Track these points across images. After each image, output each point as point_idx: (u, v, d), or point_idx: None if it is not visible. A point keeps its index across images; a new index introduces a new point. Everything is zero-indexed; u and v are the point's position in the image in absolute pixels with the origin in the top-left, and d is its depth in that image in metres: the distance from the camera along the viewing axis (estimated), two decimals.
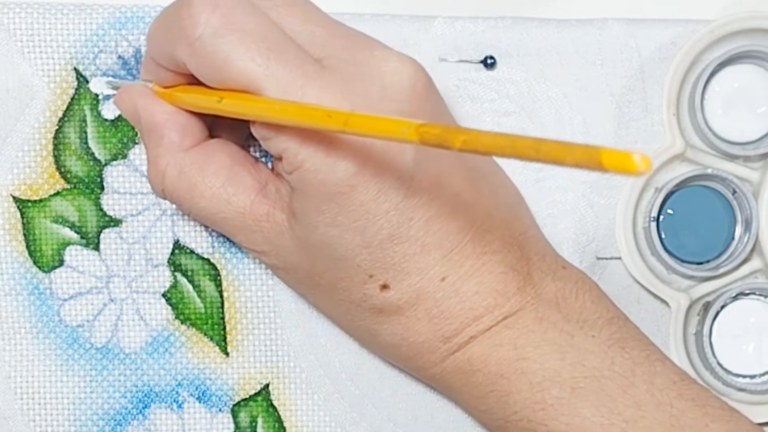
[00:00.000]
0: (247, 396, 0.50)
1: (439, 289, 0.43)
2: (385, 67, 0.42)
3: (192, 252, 0.50)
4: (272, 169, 0.46)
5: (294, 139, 0.41)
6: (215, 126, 0.46)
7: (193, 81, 0.44)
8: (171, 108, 0.45)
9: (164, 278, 0.50)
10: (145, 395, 0.50)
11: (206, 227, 0.50)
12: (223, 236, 0.50)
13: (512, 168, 0.50)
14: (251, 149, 0.49)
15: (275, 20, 0.42)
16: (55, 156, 0.49)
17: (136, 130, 0.49)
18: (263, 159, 0.49)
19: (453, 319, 0.44)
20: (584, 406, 0.43)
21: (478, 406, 0.45)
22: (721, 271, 0.49)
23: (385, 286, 0.43)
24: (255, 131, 0.43)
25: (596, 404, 0.43)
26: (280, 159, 0.42)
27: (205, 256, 0.50)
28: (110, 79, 0.49)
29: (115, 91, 0.49)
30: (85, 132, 0.49)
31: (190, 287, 0.50)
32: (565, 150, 0.32)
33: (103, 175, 0.50)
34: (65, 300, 0.50)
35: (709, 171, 0.49)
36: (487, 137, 0.33)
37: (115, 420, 0.50)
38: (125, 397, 0.50)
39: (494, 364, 0.44)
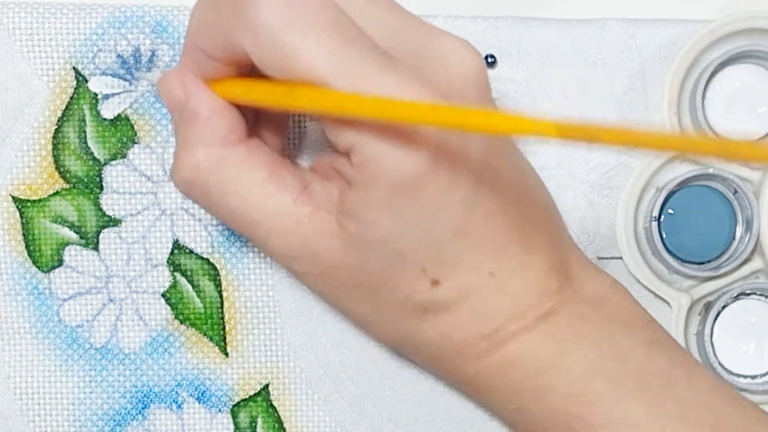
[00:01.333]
0: (247, 396, 0.50)
1: (487, 285, 0.43)
2: (452, 57, 0.41)
3: (191, 252, 0.50)
4: (312, 169, 0.45)
5: (366, 131, 0.39)
6: (255, 127, 0.45)
7: (241, 75, 0.42)
8: (221, 101, 0.43)
9: (164, 278, 0.50)
10: (145, 395, 0.50)
11: (206, 227, 0.50)
12: (223, 236, 0.50)
13: None
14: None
15: (340, 5, 0.40)
16: (54, 156, 0.49)
17: (136, 126, 0.49)
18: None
19: (497, 316, 0.43)
20: (626, 401, 0.43)
21: (512, 404, 0.44)
22: (722, 271, 0.49)
23: (435, 282, 0.43)
24: (321, 124, 0.41)
25: (638, 398, 0.43)
26: (345, 153, 0.41)
27: (205, 256, 0.50)
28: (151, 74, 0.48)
29: (118, 90, 0.49)
30: (85, 132, 0.49)
31: (190, 287, 0.50)
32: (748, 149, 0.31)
33: (103, 175, 0.49)
34: (64, 300, 0.50)
35: (710, 171, 0.49)
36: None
37: (114, 420, 0.50)
38: (125, 398, 0.50)
39: (534, 358, 0.43)
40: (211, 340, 0.50)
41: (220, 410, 0.50)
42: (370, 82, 0.39)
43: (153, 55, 0.49)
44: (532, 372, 0.43)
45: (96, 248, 0.50)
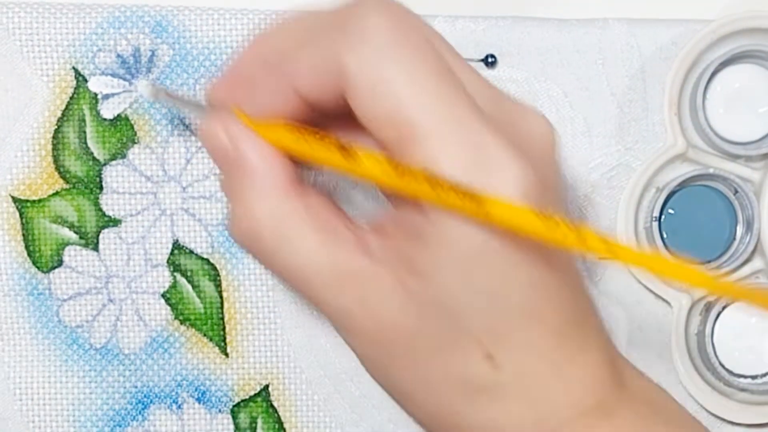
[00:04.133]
0: (247, 397, 0.50)
1: (546, 373, 0.40)
2: (534, 128, 0.40)
3: (191, 252, 0.50)
4: (371, 225, 0.42)
5: (451, 173, 0.37)
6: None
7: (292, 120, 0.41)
8: (274, 150, 0.40)
9: (163, 278, 0.50)
10: (145, 396, 0.50)
11: (206, 227, 0.50)
12: (223, 236, 0.50)
13: None
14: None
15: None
16: (54, 156, 0.49)
17: (136, 126, 0.49)
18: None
19: (554, 407, 0.40)
20: None
21: None
22: (723, 271, 0.49)
23: (492, 360, 0.40)
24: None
25: None
26: (417, 208, 0.39)
27: (205, 256, 0.50)
28: (160, 87, 0.45)
29: (117, 90, 0.49)
30: (84, 132, 0.49)
31: (190, 287, 0.50)
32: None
33: (102, 175, 0.49)
34: (64, 300, 0.49)
35: (711, 171, 0.49)
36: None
37: (114, 421, 0.50)
38: (124, 398, 0.50)
39: None
40: (211, 340, 0.50)
41: (220, 411, 0.50)
42: (463, 124, 0.37)
43: (153, 55, 0.49)
44: None
45: (96, 248, 0.50)
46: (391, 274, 0.40)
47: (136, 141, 0.49)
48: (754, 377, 0.50)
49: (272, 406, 0.50)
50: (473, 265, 0.38)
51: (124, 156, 0.49)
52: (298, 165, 0.41)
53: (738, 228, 0.50)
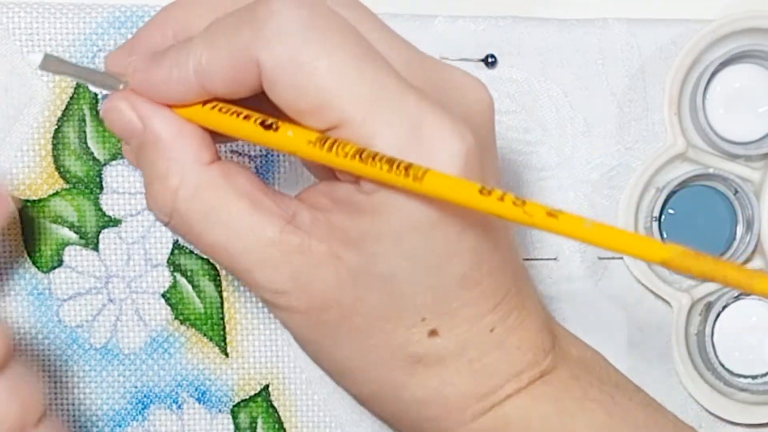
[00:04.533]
0: (247, 397, 0.50)
1: (485, 340, 0.40)
2: (470, 95, 0.39)
3: (191, 252, 0.50)
4: (298, 198, 0.41)
5: (390, 150, 0.36)
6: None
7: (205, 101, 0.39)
8: (181, 119, 0.39)
9: (164, 278, 0.50)
10: (145, 396, 0.50)
11: None
12: None
13: (514, 167, 0.50)
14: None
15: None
16: (54, 156, 0.49)
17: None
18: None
19: (495, 373, 0.41)
20: None
21: None
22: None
23: (434, 332, 0.39)
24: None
25: None
26: (352, 180, 0.38)
27: (205, 256, 0.50)
28: (52, 57, 0.40)
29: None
30: (84, 132, 0.49)
31: (190, 287, 0.50)
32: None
33: (102, 175, 0.49)
34: (64, 300, 0.49)
35: (711, 171, 0.49)
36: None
37: (114, 421, 0.50)
38: (124, 398, 0.50)
39: (534, 420, 0.41)
40: (211, 340, 0.50)
41: (220, 411, 0.50)
42: (393, 101, 0.36)
43: None
44: None
45: (96, 248, 0.50)
46: (323, 247, 0.39)
47: None
48: (754, 377, 0.50)
49: (272, 406, 0.50)
50: (413, 236, 0.37)
51: (124, 156, 0.49)
52: (214, 136, 0.40)
53: (738, 228, 0.50)
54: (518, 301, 0.41)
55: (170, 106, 0.39)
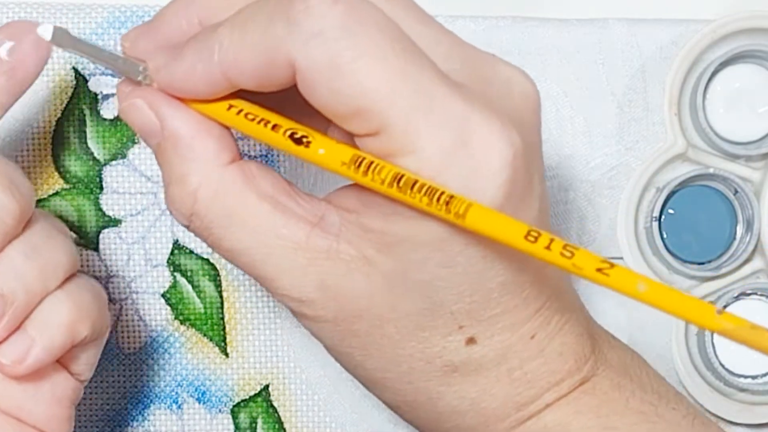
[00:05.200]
0: (247, 397, 0.50)
1: (526, 348, 0.38)
2: (516, 88, 0.37)
3: (191, 252, 0.50)
4: (326, 200, 0.38)
5: (435, 160, 0.34)
6: None
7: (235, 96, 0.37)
8: (201, 116, 0.37)
9: (164, 278, 0.50)
10: (145, 396, 0.50)
11: None
12: None
13: None
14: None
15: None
16: (54, 156, 0.49)
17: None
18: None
19: (535, 382, 0.39)
20: None
21: None
22: (723, 271, 0.49)
23: (471, 340, 0.38)
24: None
25: None
26: None
27: (205, 256, 0.50)
28: (64, 31, 0.39)
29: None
30: (84, 132, 0.49)
31: (190, 287, 0.50)
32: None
33: (102, 175, 0.49)
34: None
35: (711, 171, 0.49)
36: None
37: (114, 421, 0.50)
38: (125, 398, 0.50)
39: (576, 430, 0.39)
40: (211, 340, 0.50)
41: (220, 411, 0.50)
42: (436, 103, 0.34)
43: None
44: None
45: (96, 248, 0.50)
46: (354, 251, 0.37)
47: (136, 141, 0.49)
48: (754, 377, 0.50)
49: (272, 406, 0.50)
50: (454, 243, 0.35)
51: (124, 156, 0.49)
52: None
53: (738, 228, 0.50)
54: (560, 305, 0.39)
55: (193, 101, 0.37)
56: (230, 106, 0.37)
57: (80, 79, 0.49)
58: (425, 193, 0.33)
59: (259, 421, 0.50)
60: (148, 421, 0.50)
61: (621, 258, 0.50)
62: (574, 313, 0.40)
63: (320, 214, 0.37)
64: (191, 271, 0.50)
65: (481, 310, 0.37)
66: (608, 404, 0.40)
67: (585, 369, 0.40)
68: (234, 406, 0.50)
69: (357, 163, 0.34)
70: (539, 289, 0.38)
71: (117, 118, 0.49)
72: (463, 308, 0.37)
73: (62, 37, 0.38)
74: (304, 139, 0.35)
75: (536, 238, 0.32)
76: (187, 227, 0.38)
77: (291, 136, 0.35)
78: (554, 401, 0.39)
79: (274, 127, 0.36)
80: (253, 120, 0.36)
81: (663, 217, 0.50)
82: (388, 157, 0.34)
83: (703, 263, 0.50)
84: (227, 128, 0.38)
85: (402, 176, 0.33)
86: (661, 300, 0.32)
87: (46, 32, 0.38)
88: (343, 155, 0.34)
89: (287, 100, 0.37)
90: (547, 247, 0.32)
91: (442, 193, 0.33)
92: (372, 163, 0.34)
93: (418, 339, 0.38)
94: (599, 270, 0.31)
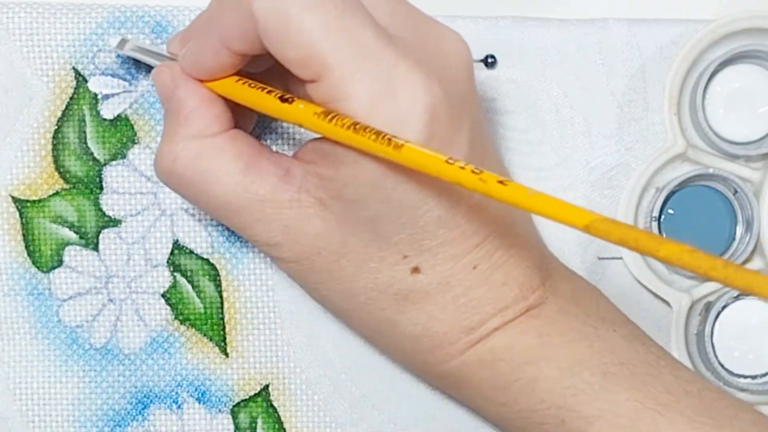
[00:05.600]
0: (247, 397, 0.50)
1: (469, 277, 0.43)
2: (446, 45, 0.42)
3: (191, 252, 0.50)
4: (294, 156, 0.45)
5: (365, 106, 0.40)
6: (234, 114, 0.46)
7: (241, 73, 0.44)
8: (209, 95, 0.44)
9: (163, 278, 0.50)
10: (145, 396, 0.50)
11: (206, 227, 0.50)
12: (223, 236, 0.50)
13: (513, 168, 0.50)
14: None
15: None
16: (54, 156, 0.49)
17: (136, 126, 0.49)
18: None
19: (480, 309, 0.43)
20: (618, 390, 0.43)
21: (498, 398, 0.44)
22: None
23: (416, 269, 0.43)
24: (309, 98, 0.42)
25: (629, 388, 0.43)
26: None
27: (205, 256, 0.50)
28: (128, 39, 0.48)
29: (117, 90, 0.49)
30: (84, 132, 0.49)
31: (190, 287, 0.50)
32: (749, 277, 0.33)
33: (102, 175, 0.49)
34: (64, 300, 0.50)
35: (711, 171, 0.49)
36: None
37: (114, 421, 0.50)
38: (124, 398, 0.50)
39: (519, 351, 0.44)
40: (211, 340, 0.50)
41: (220, 411, 0.50)
42: (369, 55, 0.39)
43: None
44: (518, 364, 0.44)
45: (96, 248, 0.50)
46: (312, 198, 0.43)
47: (136, 141, 0.49)
48: (753, 377, 0.50)
49: (272, 406, 0.50)
50: (388, 182, 0.40)
51: (124, 156, 0.49)
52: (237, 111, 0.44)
53: (737, 228, 0.50)
54: (505, 241, 0.43)
55: (211, 81, 0.44)
56: (238, 79, 0.43)
57: (80, 79, 0.49)
58: (373, 133, 0.38)
59: (259, 421, 0.50)
60: (148, 421, 0.50)
61: (620, 258, 0.50)
62: (523, 249, 0.44)
63: (286, 168, 0.43)
64: (191, 271, 0.50)
65: (421, 240, 0.42)
66: (550, 326, 0.44)
67: (531, 298, 0.44)
68: (234, 406, 0.50)
69: (325, 114, 0.40)
70: (478, 225, 0.42)
71: (117, 119, 0.49)
72: (404, 239, 0.42)
73: (124, 45, 0.48)
74: (289, 99, 0.41)
75: (455, 161, 0.38)
76: (167, 184, 0.44)
77: (280, 98, 0.41)
78: (501, 326, 0.44)
79: (269, 92, 0.42)
80: (253, 87, 0.43)
81: (663, 217, 0.50)
82: (329, 103, 0.40)
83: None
84: (229, 107, 0.44)
85: (357, 123, 0.39)
86: (538, 203, 0.36)
87: (113, 42, 0.48)
88: (316, 108, 0.40)
89: (280, 78, 0.44)
90: (462, 168, 0.37)
91: (386, 134, 0.38)
92: (336, 114, 0.40)
93: (369, 270, 0.43)
94: (500, 182, 0.37)
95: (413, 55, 0.40)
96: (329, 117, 0.40)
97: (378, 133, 0.39)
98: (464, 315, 0.43)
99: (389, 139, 0.38)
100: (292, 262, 0.44)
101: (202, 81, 0.44)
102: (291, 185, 0.43)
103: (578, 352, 0.43)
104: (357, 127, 0.39)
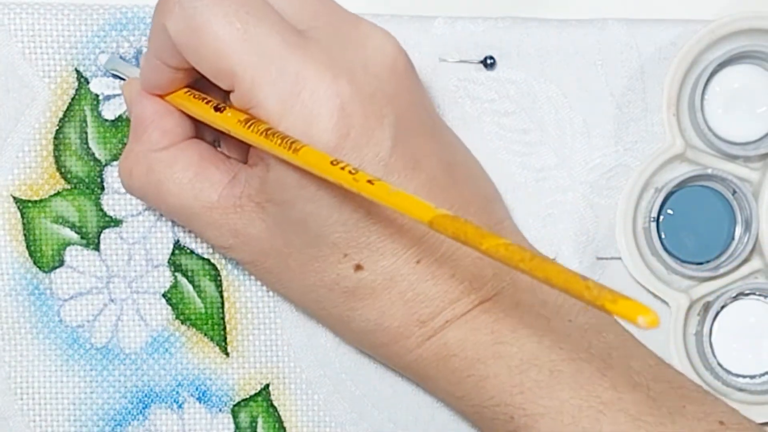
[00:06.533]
0: (248, 396, 0.50)
1: (414, 272, 0.43)
2: (368, 43, 0.42)
3: (192, 252, 0.50)
4: (246, 160, 0.46)
5: (275, 111, 0.41)
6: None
7: (192, 86, 0.45)
8: (162, 107, 0.45)
9: (164, 278, 0.50)
10: (146, 395, 0.50)
11: None
12: None
13: (513, 167, 0.50)
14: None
15: None
16: (55, 156, 0.49)
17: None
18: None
19: (429, 302, 0.44)
20: (562, 389, 0.43)
21: (454, 393, 0.45)
22: (721, 271, 0.49)
23: (359, 267, 0.43)
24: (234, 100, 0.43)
25: (574, 387, 0.43)
26: None
27: (206, 256, 0.50)
28: (116, 59, 0.49)
29: (119, 91, 0.49)
30: (86, 132, 0.50)
31: (191, 287, 0.50)
32: (575, 283, 0.33)
33: (104, 176, 0.50)
34: (65, 300, 0.50)
35: (709, 171, 0.49)
36: (509, 250, 0.35)
37: (115, 420, 0.50)
38: (125, 398, 0.50)
39: (471, 348, 0.44)
40: (211, 340, 0.50)
41: (220, 410, 0.50)
42: (274, 61, 0.40)
43: None
44: (470, 362, 0.44)
45: (97, 248, 0.50)
46: (252, 202, 0.44)
47: None
48: (752, 377, 0.50)
49: (272, 405, 0.50)
50: (309, 180, 0.41)
51: None
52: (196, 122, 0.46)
53: (736, 228, 0.50)
54: None
55: (167, 94, 0.45)
56: (187, 91, 0.45)
57: (82, 80, 0.49)
58: (279, 137, 0.40)
59: (260, 420, 0.50)
60: (149, 420, 0.50)
61: (619, 258, 0.50)
62: None
63: (233, 174, 0.45)
64: (192, 271, 0.50)
65: (358, 238, 0.42)
66: (503, 321, 0.44)
67: (483, 290, 0.44)
68: (234, 406, 0.50)
69: (246, 121, 0.41)
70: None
71: (118, 119, 0.50)
72: (341, 238, 0.42)
73: (112, 63, 0.49)
74: (221, 108, 0.43)
75: (338, 162, 0.39)
76: (131, 195, 0.47)
77: (215, 107, 0.43)
78: (453, 319, 0.44)
79: (207, 102, 0.44)
80: (196, 98, 0.44)
81: (661, 217, 0.50)
82: (248, 110, 0.41)
83: (701, 263, 0.50)
84: (187, 118, 0.46)
85: (269, 128, 0.40)
86: (390, 197, 0.37)
87: (102, 60, 0.49)
88: (240, 116, 0.42)
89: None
90: (342, 168, 0.38)
91: (288, 137, 0.40)
92: (254, 121, 0.41)
93: (315, 270, 0.44)
94: (368, 182, 0.38)
95: (325, 56, 0.41)
96: (248, 124, 0.41)
97: (283, 137, 0.40)
98: (413, 309, 0.44)
99: (290, 143, 0.39)
100: (248, 263, 0.46)
101: (162, 95, 0.45)
102: (235, 190, 0.44)
103: (528, 349, 0.43)
104: (268, 132, 0.40)
